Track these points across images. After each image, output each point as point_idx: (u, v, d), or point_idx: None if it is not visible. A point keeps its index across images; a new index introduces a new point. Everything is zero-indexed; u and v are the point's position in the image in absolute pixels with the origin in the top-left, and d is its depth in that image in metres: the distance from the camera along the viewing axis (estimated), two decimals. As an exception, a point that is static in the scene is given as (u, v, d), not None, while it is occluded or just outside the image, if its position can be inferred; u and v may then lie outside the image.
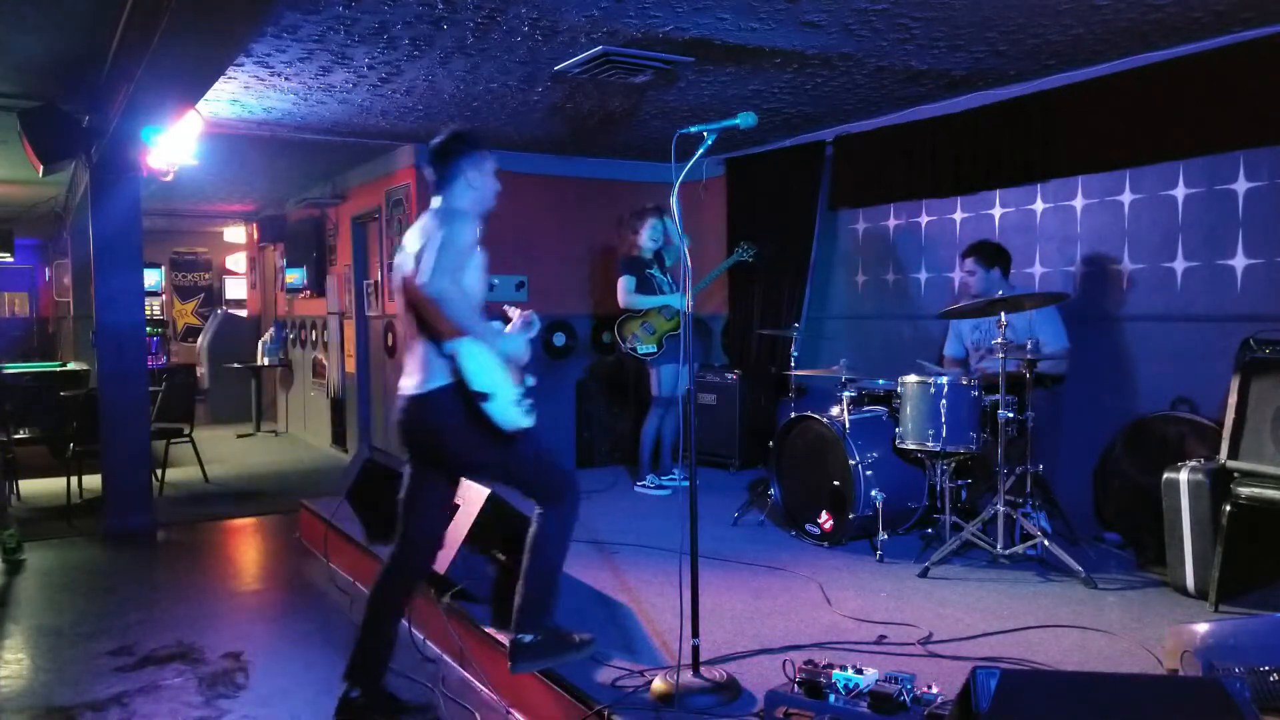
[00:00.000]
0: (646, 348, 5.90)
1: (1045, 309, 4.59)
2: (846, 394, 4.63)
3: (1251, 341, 3.66)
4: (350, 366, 8.62)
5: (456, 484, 3.30)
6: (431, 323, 2.91)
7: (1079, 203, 4.97)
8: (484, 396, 2.87)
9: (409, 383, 3.00)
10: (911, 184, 5.75)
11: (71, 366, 9.61)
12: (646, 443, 6.01)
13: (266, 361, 10.60)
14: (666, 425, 6.04)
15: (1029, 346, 4.36)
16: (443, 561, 3.65)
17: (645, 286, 5.93)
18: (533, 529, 3.09)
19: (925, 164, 5.62)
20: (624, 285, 5.89)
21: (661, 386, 5.93)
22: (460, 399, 2.89)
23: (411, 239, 3.03)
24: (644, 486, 5.99)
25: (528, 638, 3.03)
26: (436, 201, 3.09)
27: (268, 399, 11.17)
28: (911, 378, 4.44)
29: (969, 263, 4.82)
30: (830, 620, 3.51)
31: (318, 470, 8.05)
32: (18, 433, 7.01)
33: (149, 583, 4.91)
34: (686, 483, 2.96)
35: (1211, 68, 4.27)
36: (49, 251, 14.35)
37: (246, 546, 5.83)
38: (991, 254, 4.79)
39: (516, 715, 3.17)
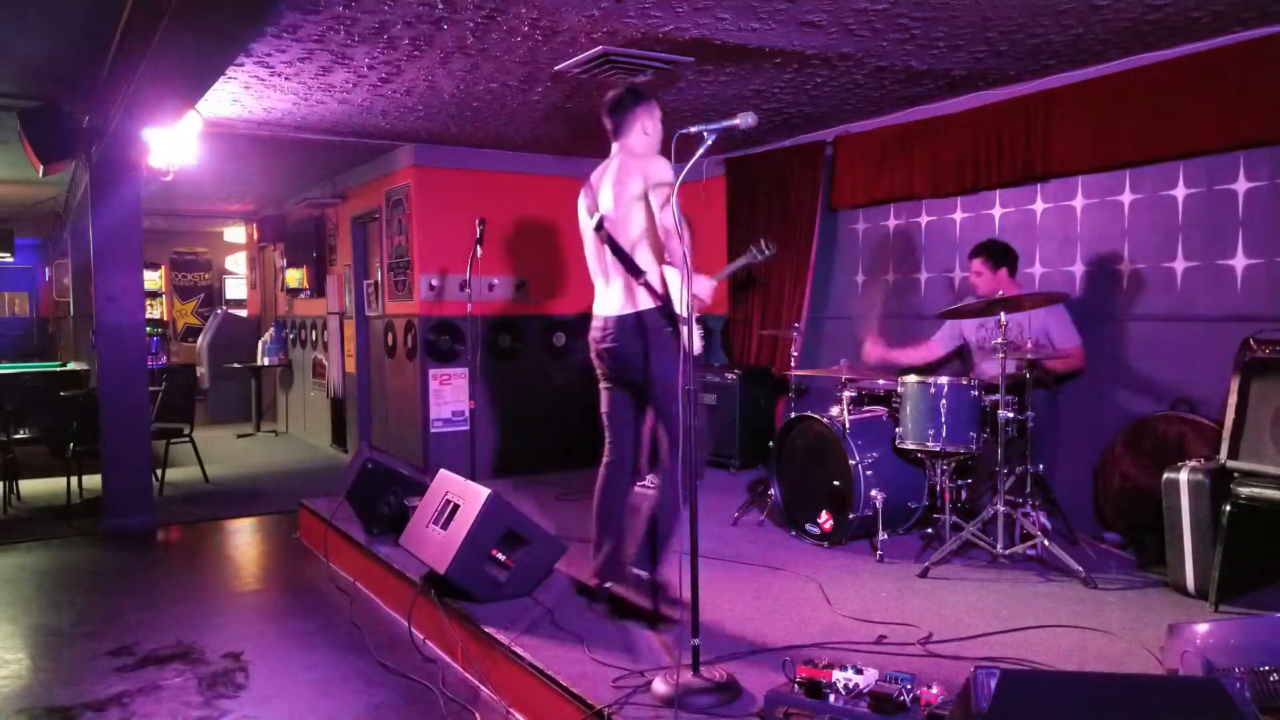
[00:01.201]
0: None
1: (1054, 309, 4.60)
2: (846, 394, 4.63)
3: (1251, 341, 3.66)
4: (350, 366, 8.62)
5: (642, 402, 3.63)
6: (654, 251, 3.44)
7: (1079, 203, 4.97)
8: (683, 320, 3.23)
9: (612, 306, 3.50)
10: (911, 184, 5.75)
11: (71, 366, 9.62)
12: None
13: (266, 361, 10.60)
14: None
15: (1029, 346, 4.36)
16: (442, 561, 3.66)
17: None
18: (661, 470, 3.54)
19: (925, 164, 5.62)
20: None
21: None
22: (665, 319, 3.41)
23: (605, 181, 3.52)
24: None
25: (646, 573, 3.48)
26: (617, 148, 3.58)
27: (268, 399, 11.17)
28: (911, 378, 4.44)
29: (976, 263, 4.80)
30: (830, 620, 3.51)
31: (318, 470, 8.05)
32: (18, 433, 7.00)
33: (149, 583, 4.91)
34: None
35: (1211, 68, 4.27)
36: (49, 251, 14.36)
37: (246, 546, 5.83)
38: (999, 254, 4.78)
39: (516, 715, 3.17)
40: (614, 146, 3.61)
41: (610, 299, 3.53)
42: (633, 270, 3.42)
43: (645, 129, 3.57)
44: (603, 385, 3.68)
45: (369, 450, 5.00)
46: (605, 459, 3.72)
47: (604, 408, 3.70)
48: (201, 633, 4.03)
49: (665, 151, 3.11)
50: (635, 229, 3.43)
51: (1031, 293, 4.51)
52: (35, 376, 8.53)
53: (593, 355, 3.63)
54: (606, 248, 3.49)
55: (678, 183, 2.86)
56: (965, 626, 3.41)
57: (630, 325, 3.43)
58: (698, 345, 3.39)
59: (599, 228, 3.51)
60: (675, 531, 3.48)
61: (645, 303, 3.43)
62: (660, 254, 3.44)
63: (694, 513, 2.91)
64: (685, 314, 3.24)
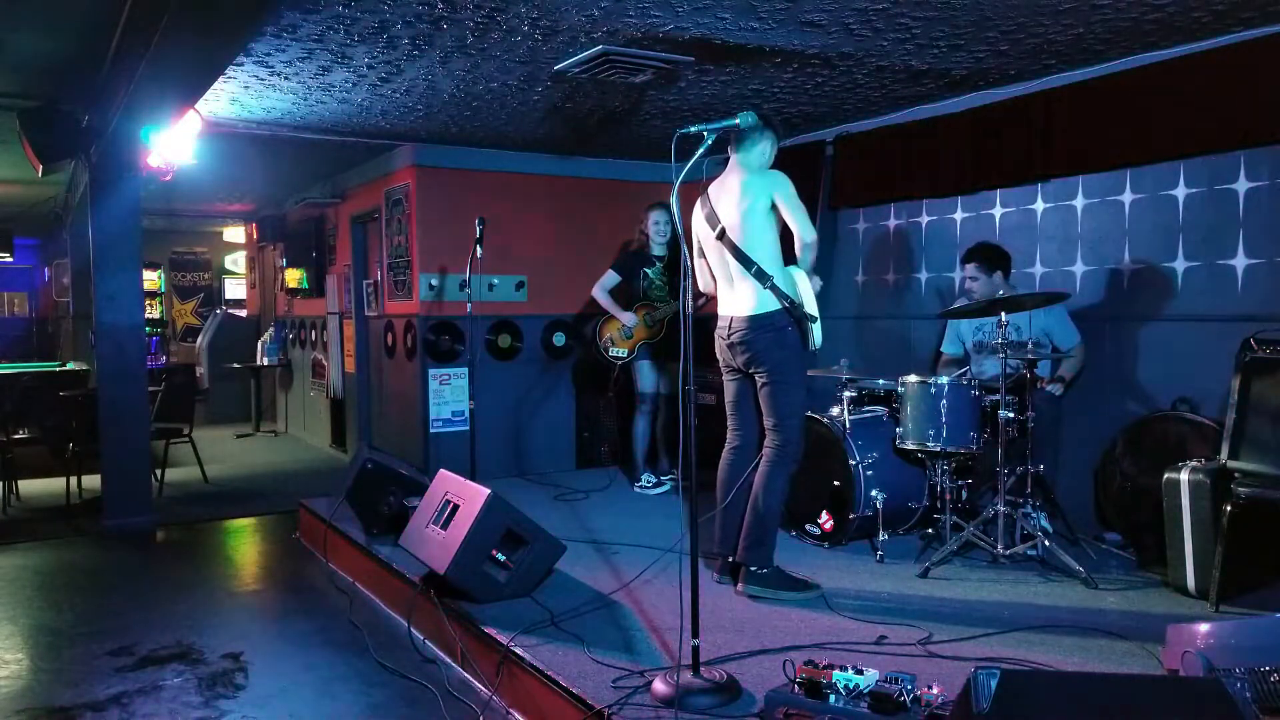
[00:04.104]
0: (617, 351, 5.92)
1: (1055, 309, 4.60)
2: (846, 394, 4.63)
3: (1252, 341, 3.65)
4: (350, 366, 8.62)
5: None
6: (775, 257, 3.75)
7: (1079, 202, 4.97)
8: (813, 318, 3.73)
9: (741, 307, 3.78)
10: (911, 184, 5.75)
11: (71, 366, 9.61)
12: (639, 442, 6.02)
13: (266, 361, 10.60)
14: (659, 423, 6.06)
15: (1029, 346, 4.36)
16: (442, 562, 3.66)
17: (630, 286, 5.93)
18: (765, 471, 3.78)
19: (925, 164, 5.61)
20: (603, 279, 5.92)
21: (644, 383, 5.94)
22: (791, 319, 3.72)
23: (725, 195, 3.81)
24: (642, 487, 5.99)
25: (755, 567, 3.74)
26: (734, 160, 3.84)
27: (267, 399, 11.16)
28: (912, 378, 4.44)
29: (970, 269, 4.81)
30: (830, 620, 3.51)
31: (318, 470, 8.04)
32: (17, 433, 7.00)
33: (149, 583, 4.90)
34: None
35: (1212, 67, 4.26)
36: (49, 251, 14.34)
37: (246, 546, 5.83)
38: (992, 258, 4.79)
39: (516, 716, 3.16)
40: (732, 159, 3.86)
41: (737, 300, 3.81)
42: (759, 275, 3.71)
43: (764, 153, 3.84)
44: (726, 377, 3.98)
45: (369, 450, 5.00)
46: (730, 443, 3.99)
47: (728, 396, 4.00)
48: (201, 633, 4.03)
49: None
50: (760, 237, 3.73)
51: (1031, 293, 4.51)
52: (35, 376, 8.53)
53: (718, 349, 3.93)
54: (729, 254, 3.78)
55: (678, 183, 2.86)
56: (965, 627, 3.41)
57: (757, 324, 3.73)
58: (820, 341, 3.78)
59: (721, 236, 3.79)
60: (779, 519, 3.87)
61: (771, 304, 3.72)
62: (779, 260, 3.76)
63: (694, 512, 2.91)
64: (813, 313, 3.74)
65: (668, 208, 5.91)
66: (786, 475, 3.82)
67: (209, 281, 14.79)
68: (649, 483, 5.97)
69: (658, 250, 5.96)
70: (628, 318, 5.87)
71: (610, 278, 5.94)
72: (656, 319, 5.90)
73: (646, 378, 5.96)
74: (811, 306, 3.74)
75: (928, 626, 3.41)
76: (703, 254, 4.00)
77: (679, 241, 5.85)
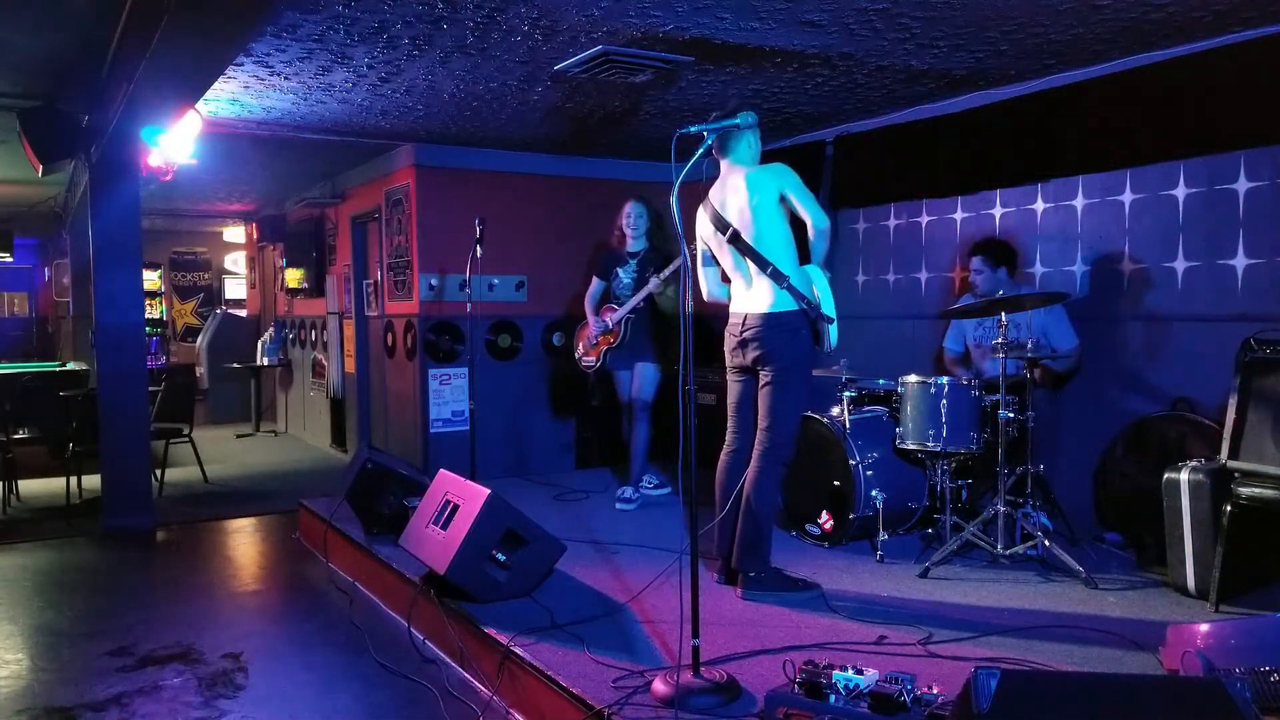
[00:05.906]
0: (588, 361, 5.79)
1: (1053, 309, 4.61)
2: (847, 394, 4.63)
3: (1252, 341, 3.65)
4: (350, 366, 8.62)
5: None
6: (790, 254, 3.73)
7: (1079, 202, 4.97)
8: (830, 320, 3.69)
9: (758, 304, 3.73)
10: (912, 184, 5.75)
11: (71, 366, 9.61)
12: (639, 446, 5.98)
13: (266, 361, 10.60)
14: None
15: (1029, 346, 4.36)
16: (442, 561, 3.66)
17: (609, 289, 5.79)
18: (753, 472, 3.75)
19: (925, 164, 5.61)
20: (590, 290, 5.78)
21: (623, 391, 5.83)
22: (807, 320, 3.69)
23: (730, 195, 3.79)
24: (643, 488, 5.98)
25: (753, 573, 3.71)
26: (727, 162, 3.84)
27: (267, 399, 11.16)
28: (912, 378, 4.44)
29: (976, 261, 4.82)
30: (830, 620, 3.51)
31: (318, 470, 8.04)
32: (17, 433, 7.00)
33: (149, 583, 4.90)
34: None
35: (1212, 67, 4.27)
36: (49, 251, 14.34)
37: (246, 546, 5.83)
38: (999, 253, 4.80)
39: (516, 715, 3.16)
40: (724, 163, 3.86)
41: (753, 297, 3.77)
42: (775, 275, 3.67)
43: (749, 142, 3.83)
44: (732, 377, 3.93)
45: (369, 450, 5.00)
46: (729, 445, 3.93)
47: (731, 398, 3.94)
48: (201, 633, 4.03)
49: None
50: (772, 234, 3.71)
51: (1031, 292, 4.52)
52: (35, 376, 8.51)
53: (728, 348, 3.88)
54: (744, 254, 3.74)
55: (677, 183, 2.86)
56: (965, 627, 3.41)
57: (771, 322, 3.69)
58: (836, 341, 3.74)
59: (734, 239, 3.75)
60: (773, 521, 3.86)
61: (788, 304, 3.68)
62: (794, 258, 3.72)
63: (694, 512, 2.90)
64: (830, 314, 3.71)
65: (642, 199, 5.80)
66: (776, 477, 3.80)
67: (209, 281, 14.79)
68: (650, 484, 5.96)
69: (633, 246, 5.78)
70: (593, 323, 5.76)
71: (596, 286, 5.79)
72: (615, 320, 5.66)
73: (624, 386, 5.84)
74: (829, 307, 3.72)
75: (928, 626, 3.40)
76: (709, 261, 3.96)
77: (661, 235, 5.80)
